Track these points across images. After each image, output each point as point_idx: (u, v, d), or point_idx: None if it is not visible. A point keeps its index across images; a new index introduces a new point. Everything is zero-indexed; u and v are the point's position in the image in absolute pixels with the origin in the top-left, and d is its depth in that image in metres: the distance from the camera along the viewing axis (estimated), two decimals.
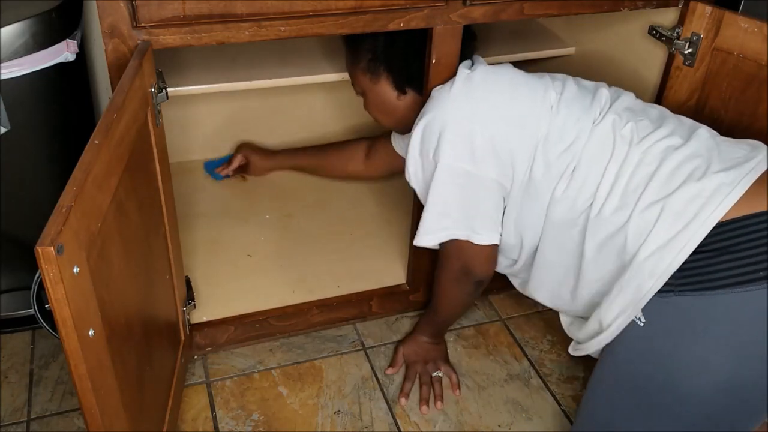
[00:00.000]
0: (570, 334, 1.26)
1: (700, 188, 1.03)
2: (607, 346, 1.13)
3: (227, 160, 1.91)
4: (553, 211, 1.16)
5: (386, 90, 1.33)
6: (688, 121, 1.19)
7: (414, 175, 1.25)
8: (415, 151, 1.22)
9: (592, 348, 1.17)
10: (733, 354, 0.99)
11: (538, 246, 1.21)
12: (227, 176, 1.90)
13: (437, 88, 1.23)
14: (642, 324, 1.05)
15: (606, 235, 1.09)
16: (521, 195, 1.18)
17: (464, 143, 1.15)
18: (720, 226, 1.00)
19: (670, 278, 1.01)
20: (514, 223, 1.22)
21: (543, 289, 1.27)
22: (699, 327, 1.01)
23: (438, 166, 1.17)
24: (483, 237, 1.22)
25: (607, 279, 1.12)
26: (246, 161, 1.88)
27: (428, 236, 1.25)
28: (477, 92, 1.18)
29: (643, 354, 1.07)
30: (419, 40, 1.27)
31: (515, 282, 1.37)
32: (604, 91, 1.20)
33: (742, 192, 1.01)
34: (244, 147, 1.92)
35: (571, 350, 1.23)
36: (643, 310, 1.05)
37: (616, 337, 1.10)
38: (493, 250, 1.25)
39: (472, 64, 1.25)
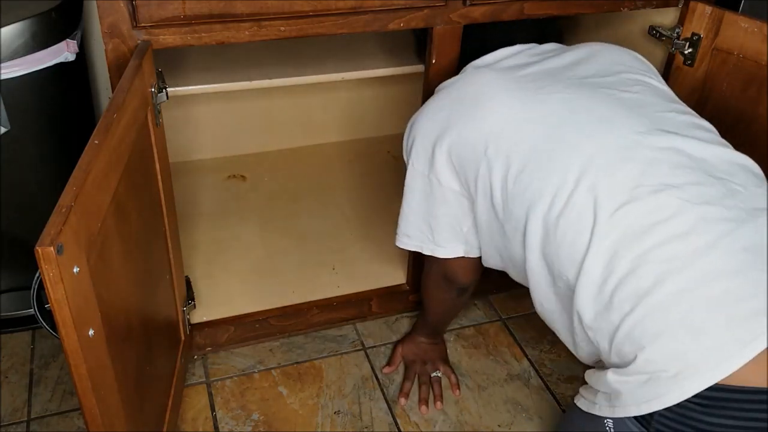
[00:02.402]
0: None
1: (690, 345, 0.82)
2: (579, 416, 1.00)
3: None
4: (529, 266, 1.01)
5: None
6: (736, 185, 0.91)
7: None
8: (404, 144, 1.19)
9: None
10: None
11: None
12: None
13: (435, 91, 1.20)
14: None
15: (593, 340, 0.94)
16: (494, 229, 1.07)
17: (428, 151, 1.11)
18: (719, 389, 0.80)
19: (649, 415, 0.85)
20: (498, 253, 1.12)
21: None
22: None
23: (408, 169, 1.16)
24: (446, 250, 1.18)
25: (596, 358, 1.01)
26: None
27: (400, 238, 1.24)
28: (445, 100, 1.12)
29: None
30: None
31: None
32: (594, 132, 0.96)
33: (744, 362, 0.79)
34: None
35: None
36: (615, 424, 0.91)
37: (587, 423, 0.96)
38: (473, 261, 1.20)
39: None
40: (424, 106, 1.16)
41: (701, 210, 0.87)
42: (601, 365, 0.99)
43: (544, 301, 1.04)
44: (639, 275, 0.86)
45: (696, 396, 0.81)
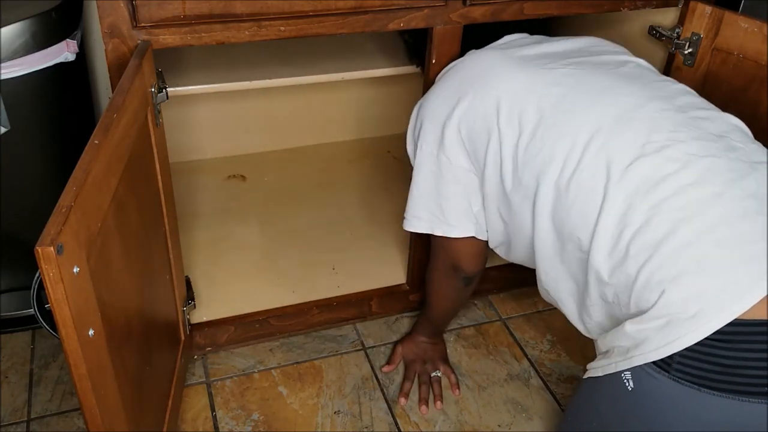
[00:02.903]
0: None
1: (707, 285, 0.85)
2: (592, 386, 1.02)
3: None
4: (537, 235, 1.05)
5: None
6: (738, 142, 0.95)
7: (410, 153, 1.23)
8: (409, 130, 1.22)
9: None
10: None
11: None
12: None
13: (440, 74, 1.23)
14: (630, 389, 0.92)
15: (611, 297, 0.96)
16: (501, 203, 1.10)
17: (437, 131, 1.13)
18: (738, 324, 0.83)
19: (668, 357, 0.87)
20: (502, 229, 1.15)
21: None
22: (687, 422, 0.88)
23: (417, 152, 1.18)
24: (458, 230, 1.19)
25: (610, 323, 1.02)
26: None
27: (409, 221, 1.24)
28: (453, 80, 1.15)
29: (625, 416, 0.96)
30: None
31: None
32: (607, 98, 1.00)
33: (755, 302, 0.83)
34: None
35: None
36: (634, 375, 0.92)
37: (604, 386, 0.98)
38: (481, 246, 1.23)
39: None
40: (430, 90, 1.18)
41: (707, 162, 0.91)
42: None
43: (550, 270, 1.06)
44: (654, 225, 0.89)
45: (715, 333, 0.83)
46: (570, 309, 1.08)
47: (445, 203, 1.18)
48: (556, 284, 1.08)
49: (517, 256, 1.18)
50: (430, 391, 1.42)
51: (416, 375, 1.45)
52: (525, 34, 1.22)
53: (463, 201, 1.17)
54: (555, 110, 1.02)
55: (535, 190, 1.02)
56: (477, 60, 1.15)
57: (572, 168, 0.97)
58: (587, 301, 1.01)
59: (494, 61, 1.12)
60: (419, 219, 1.23)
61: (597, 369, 0.99)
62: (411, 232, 1.51)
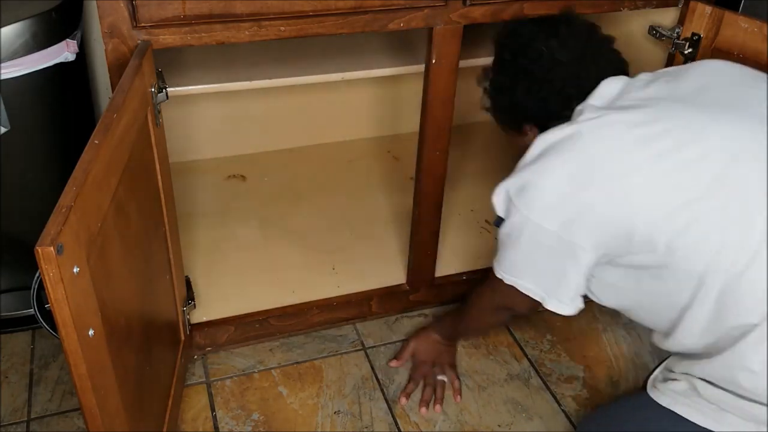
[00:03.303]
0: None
1: None
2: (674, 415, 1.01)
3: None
4: (691, 314, 1.00)
5: (511, 134, 1.25)
6: None
7: (498, 204, 1.10)
8: (506, 186, 1.09)
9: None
10: None
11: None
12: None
13: (546, 136, 1.06)
14: None
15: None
16: (646, 279, 1.04)
17: (557, 208, 1.03)
18: None
19: None
20: (633, 296, 1.09)
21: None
22: None
23: (523, 219, 1.06)
24: (569, 307, 1.10)
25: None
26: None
27: (519, 285, 1.13)
28: (570, 156, 1.02)
29: None
30: (521, 76, 1.16)
31: None
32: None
33: None
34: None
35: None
36: None
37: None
38: None
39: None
40: (539, 155, 1.05)
41: None
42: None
43: (687, 338, 1.03)
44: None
45: None
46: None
47: (563, 283, 1.09)
48: (680, 348, 1.06)
49: (642, 317, 1.13)
50: (433, 393, 1.41)
51: (423, 377, 1.43)
52: (623, 80, 1.12)
53: (580, 279, 1.08)
54: (706, 191, 0.95)
55: (700, 276, 0.96)
56: (594, 139, 1.02)
57: (746, 260, 0.92)
58: (714, 355, 0.99)
59: (614, 145, 1.00)
60: (529, 290, 1.12)
61: (690, 409, 0.99)
62: (410, 232, 1.51)
